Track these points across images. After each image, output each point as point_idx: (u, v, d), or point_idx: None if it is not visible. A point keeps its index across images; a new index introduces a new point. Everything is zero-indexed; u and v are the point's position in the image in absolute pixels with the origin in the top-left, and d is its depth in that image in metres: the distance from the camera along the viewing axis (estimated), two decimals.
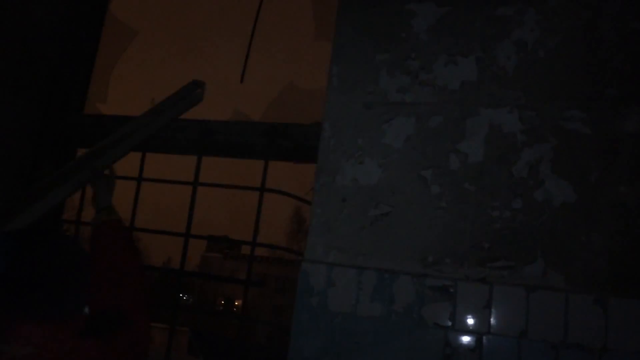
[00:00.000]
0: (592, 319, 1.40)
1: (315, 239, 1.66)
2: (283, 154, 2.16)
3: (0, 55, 2.25)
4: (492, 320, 1.47)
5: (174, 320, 2.29)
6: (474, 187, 1.56)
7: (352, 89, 1.75)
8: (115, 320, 1.42)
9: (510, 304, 1.46)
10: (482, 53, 1.65)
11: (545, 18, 1.61)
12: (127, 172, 2.24)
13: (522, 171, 1.54)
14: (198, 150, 2.22)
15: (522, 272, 1.47)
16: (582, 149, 1.51)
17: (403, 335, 1.51)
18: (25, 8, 2.37)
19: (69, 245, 1.37)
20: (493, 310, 1.47)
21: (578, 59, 1.57)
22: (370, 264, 1.60)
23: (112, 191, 1.81)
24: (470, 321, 1.48)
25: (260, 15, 2.49)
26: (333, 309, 1.58)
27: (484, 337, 1.46)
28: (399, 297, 1.54)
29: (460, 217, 1.56)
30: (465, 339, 1.47)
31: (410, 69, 1.71)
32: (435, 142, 1.63)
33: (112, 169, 1.89)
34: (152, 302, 1.58)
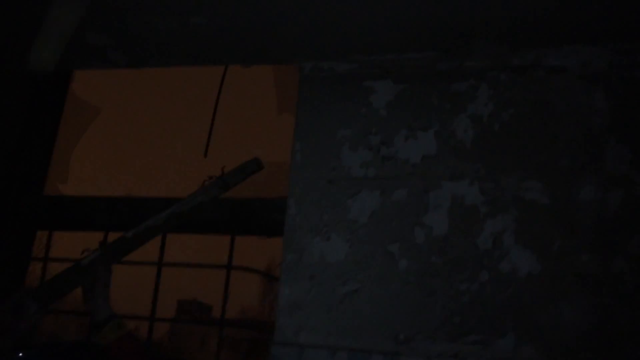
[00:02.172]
0: None
1: (284, 320, 1.62)
2: (249, 229, 2.14)
3: None
4: None
5: None
6: (440, 261, 1.57)
7: (315, 165, 1.76)
8: None
9: None
10: (440, 127, 1.69)
11: (497, 92, 1.68)
12: None
13: (487, 242, 1.55)
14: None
15: (494, 346, 1.46)
16: (543, 219, 1.54)
17: None
18: None
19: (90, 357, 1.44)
20: None
21: (531, 130, 1.62)
22: (343, 343, 1.56)
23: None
24: None
25: (222, 90, 2.52)
26: None
27: None
28: None
29: (429, 291, 1.55)
30: None
31: (371, 144, 1.74)
32: (400, 216, 1.64)
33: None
34: None
